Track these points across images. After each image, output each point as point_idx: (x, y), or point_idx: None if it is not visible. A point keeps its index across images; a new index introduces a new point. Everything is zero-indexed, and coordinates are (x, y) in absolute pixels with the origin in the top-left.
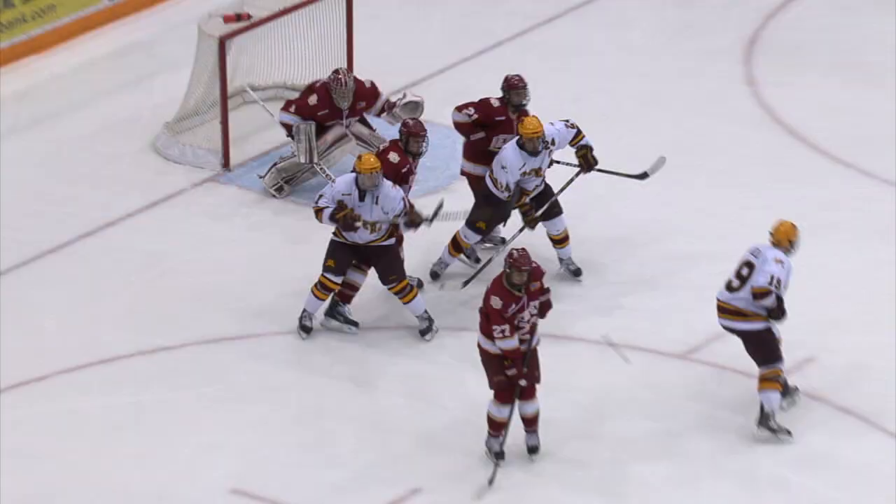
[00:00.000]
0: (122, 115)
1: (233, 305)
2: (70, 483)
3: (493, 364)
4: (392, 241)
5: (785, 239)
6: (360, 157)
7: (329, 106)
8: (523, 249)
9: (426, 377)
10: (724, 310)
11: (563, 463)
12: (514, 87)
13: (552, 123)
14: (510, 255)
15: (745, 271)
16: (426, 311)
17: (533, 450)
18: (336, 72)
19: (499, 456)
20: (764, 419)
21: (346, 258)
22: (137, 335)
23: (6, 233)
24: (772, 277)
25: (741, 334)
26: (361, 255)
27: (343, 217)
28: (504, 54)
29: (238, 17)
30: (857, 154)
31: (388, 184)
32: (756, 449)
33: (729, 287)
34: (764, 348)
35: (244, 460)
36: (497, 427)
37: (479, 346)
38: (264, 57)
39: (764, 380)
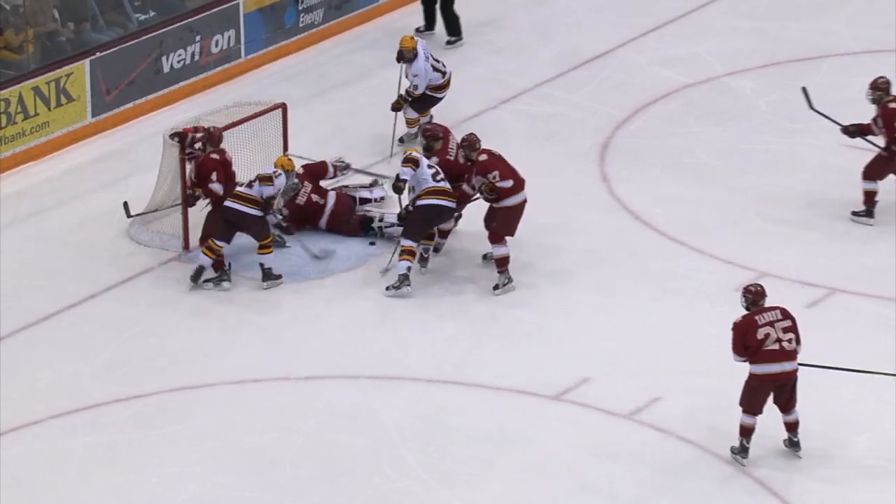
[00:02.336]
0: (102, 209)
1: (193, 360)
2: None
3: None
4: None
5: None
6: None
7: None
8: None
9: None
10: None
11: None
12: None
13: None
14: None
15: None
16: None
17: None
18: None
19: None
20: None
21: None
22: (114, 386)
23: (7, 304)
24: None
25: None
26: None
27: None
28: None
29: (196, 130)
30: (688, 234)
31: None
32: None
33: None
34: None
35: (203, 486)
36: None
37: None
38: None
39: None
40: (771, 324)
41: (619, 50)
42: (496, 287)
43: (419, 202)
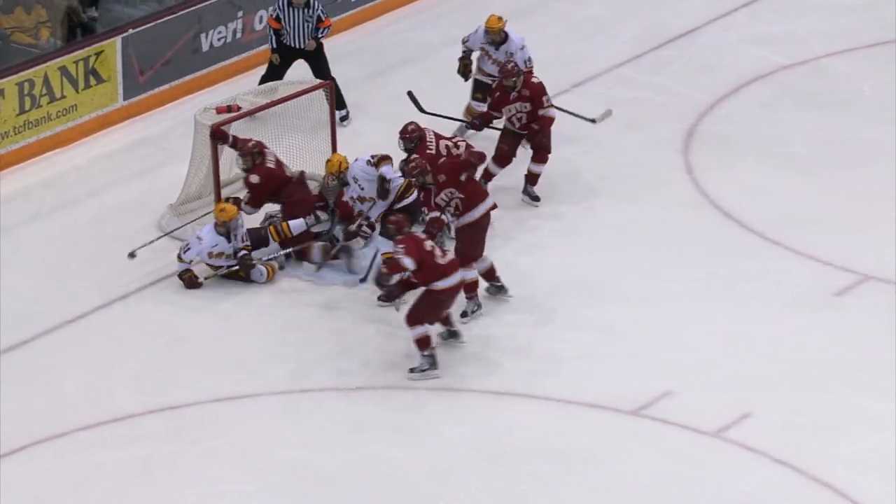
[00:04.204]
0: (135, 200)
1: (234, 368)
2: None
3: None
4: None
5: None
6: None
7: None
8: None
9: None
10: None
11: None
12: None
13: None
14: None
15: None
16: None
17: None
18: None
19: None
20: None
21: None
22: (147, 395)
23: (30, 305)
24: None
25: None
26: None
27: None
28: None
29: (229, 109)
30: (782, 232)
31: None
32: None
33: None
34: None
35: None
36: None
37: None
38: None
39: None
40: None
41: (706, 27)
42: (464, 314)
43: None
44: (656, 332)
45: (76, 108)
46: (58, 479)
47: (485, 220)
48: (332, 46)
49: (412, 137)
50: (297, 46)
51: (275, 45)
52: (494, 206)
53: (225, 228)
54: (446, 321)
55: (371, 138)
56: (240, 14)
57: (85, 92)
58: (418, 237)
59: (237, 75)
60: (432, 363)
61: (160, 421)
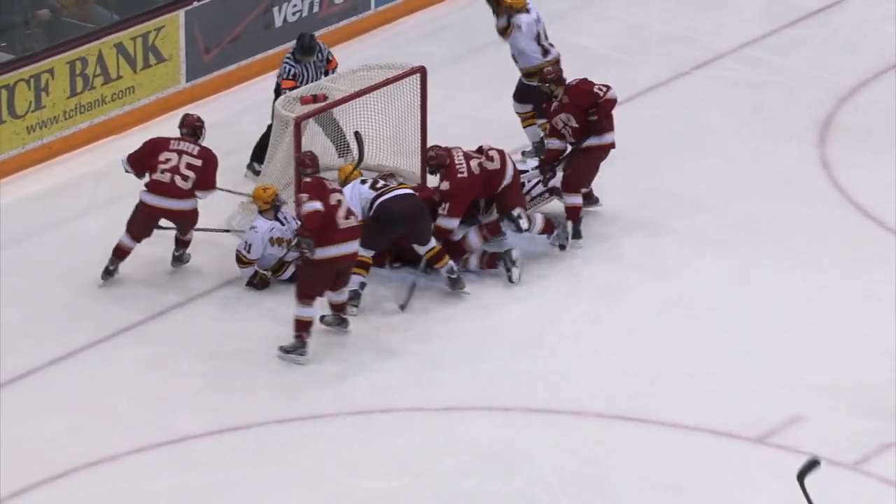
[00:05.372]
0: None
1: (304, 386)
2: None
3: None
4: None
5: None
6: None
7: None
8: None
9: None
10: None
11: None
12: None
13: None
14: None
15: None
16: None
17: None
18: None
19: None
20: None
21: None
22: (207, 414)
23: (80, 308)
24: None
25: None
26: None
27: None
28: None
29: (315, 99)
30: None
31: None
32: None
33: None
34: None
35: None
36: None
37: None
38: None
39: None
40: None
41: (845, 2)
42: (562, 247)
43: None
44: (784, 347)
45: (133, 90)
46: None
47: (602, 152)
48: (418, 23)
49: (434, 166)
50: None
51: None
52: (613, 146)
53: (272, 210)
54: (339, 307)
55: (462, 128)
56: None
57: (143, 72)
58: (326, 183)
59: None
60: (302, 346)
61: (222, 443)
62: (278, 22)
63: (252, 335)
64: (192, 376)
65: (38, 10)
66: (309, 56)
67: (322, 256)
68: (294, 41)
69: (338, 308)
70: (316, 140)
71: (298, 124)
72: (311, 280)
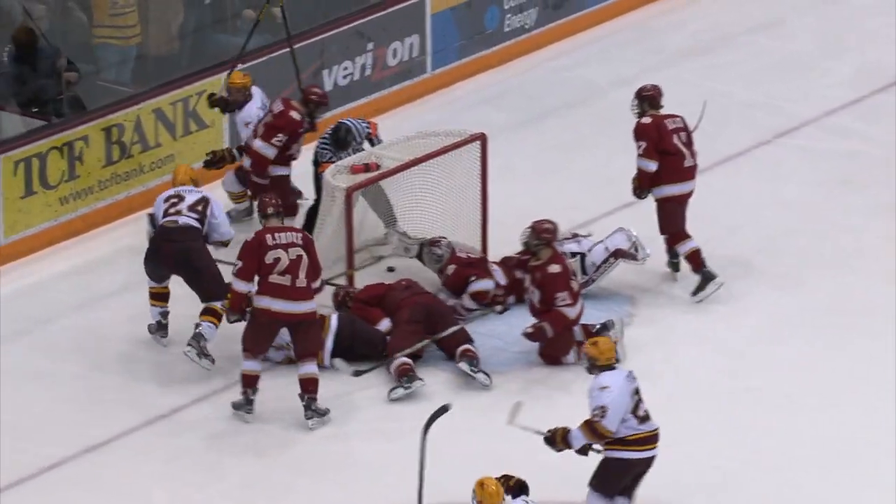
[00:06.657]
0: None
1: (358, 476)
2: None
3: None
4: None
5: None
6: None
7: None
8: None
9: None
10: None
11: None
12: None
13: None
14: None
15: None
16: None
17: None
18: None
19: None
20: None
21: None
22: None
23: (115, 394)
24: None
25: None
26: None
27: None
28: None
29: (367, 168)
30: None
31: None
32: None
33: None
34: None
35: None
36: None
37: None
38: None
39: None
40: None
41: None
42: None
43: None
44: (870, 440)
45: (173, 158)
46: None
47: (683, 198)
48: (477, 88)
49: (542, 239)
50: None
51: None
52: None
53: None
54: (306, 384)
55: (523, 199)
56: (370, 46)
57: (184, 139)
58: (264, 238)
59: (366, 118)
60: (247, 403)
61: None
62: (328, 85)
63: (300, 425)
64: (236, 469)
65: (66, 72)
66: (343, 150)
67: (258, 305)
68: (337, 126)
69: (305, 386)
70: (367, 212)
71: (350, 195)
72: (250, 330)
